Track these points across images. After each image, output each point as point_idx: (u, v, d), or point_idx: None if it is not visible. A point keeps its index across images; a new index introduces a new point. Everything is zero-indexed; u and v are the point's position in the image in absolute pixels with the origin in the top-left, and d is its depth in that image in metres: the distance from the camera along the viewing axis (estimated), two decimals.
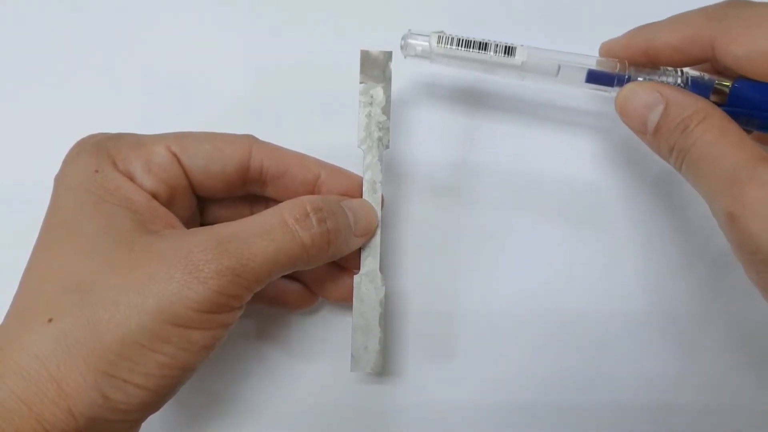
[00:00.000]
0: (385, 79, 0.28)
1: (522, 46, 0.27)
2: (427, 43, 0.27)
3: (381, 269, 0.27)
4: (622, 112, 0.26)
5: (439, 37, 0.27)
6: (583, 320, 0.31)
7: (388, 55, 0.28)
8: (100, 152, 0.24)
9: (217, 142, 0.26)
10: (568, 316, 0.31)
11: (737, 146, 0.23)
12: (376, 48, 0.28)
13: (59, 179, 0.25)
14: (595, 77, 0.27)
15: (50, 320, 0.21)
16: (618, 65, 0.27)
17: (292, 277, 0.29)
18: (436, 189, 0.32)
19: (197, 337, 0.22)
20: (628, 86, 0.26)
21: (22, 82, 0.33)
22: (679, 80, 0.26)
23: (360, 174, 0.28)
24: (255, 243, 0.23)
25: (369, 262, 0.27)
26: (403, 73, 0.29)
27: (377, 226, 0.27)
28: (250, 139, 0.27)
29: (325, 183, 0.27)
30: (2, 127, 0.33)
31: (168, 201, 0.25)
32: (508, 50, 0.27)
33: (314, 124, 0.32)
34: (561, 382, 0.30)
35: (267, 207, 0.25)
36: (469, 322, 0.31)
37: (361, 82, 0.28)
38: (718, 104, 0.25)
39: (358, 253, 0.27)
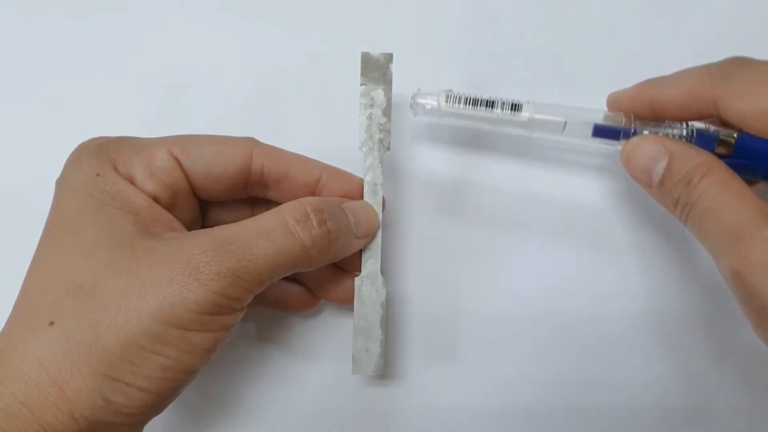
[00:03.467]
0: (386, 81, 0.28)
1: (528, 102, 0.28)
2: (435, 102, 0.28)
3: (382, 271, 0.27)
4: (627, 165, 0.27)
5: (447, 96, 0.28)
6: (585, 323, 0.31)
7: (389, 57, 0.28)
8: (102, 156, 0.24)
9: (219, 145, 0.26)
10: (570, 318, 0.31)
11: (740, 201, 0.23)
12: (376, 50, 0.28)
13: (61, 182, 0.25)
14: (601, 132, 0.27)
15: (52, 323, 0.21)
16: (624, 119, 0.27)
17: (293, 279, 0.29)
18: (438, 191, 0.32)
19: (198, 339, 0.22)
20: (633, 139, 0.27)
21: (25, 85, 0.33)
22: (684, 132, 0.27)
23: (361, 176, 0.28)
24: (256, 244, 0.23)
25: (370, 264, 0.27)
26: (404, 74, 0.29)
27: (378, 227, 0.27)
28: (251, 141, 0.27)
29: (326, 185, 0.27)
30: (4, 131, 0.33)
31: (169, 204, 0.25)
32: (515, 107, 0.28)
33: (315, 126, 0.32)
34: (563, 385, 0.30)
35: (268, 209, 0.25)
36: (470, 324, 0.31)
37: (361, 84, 0.28)
38: (724, 156, 0.25)
39: (359, 255, 0.27)
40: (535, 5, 0.34)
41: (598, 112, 0.28)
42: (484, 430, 0.30)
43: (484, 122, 0.28)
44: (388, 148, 0.28)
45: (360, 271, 0.27)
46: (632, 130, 0.27)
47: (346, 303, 0.28)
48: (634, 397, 0.30)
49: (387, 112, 0.28)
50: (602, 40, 0.33)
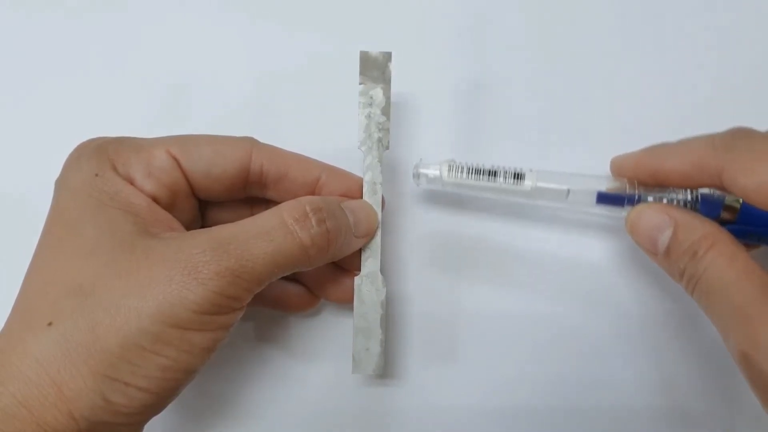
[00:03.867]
0: (385, 80, 0.28)
1: (531, 170, 0.28)
2: (438, 173, 0.28)
3: (382, 271, 0.27)
4: (632, 233, 0.26)
5: (450, 166, 0.28)
6: (584, 323, 0.31)
7: (388, 56, 0.28)
8: (101, 156, 0.24)
9: (218, 145, 0.26)
10: (569, 319, 0.31)
11: (746, 278, 0.23)
12: (375, 49, 0.28)
13: (60, 183, 0.25)
14: (605, 199, 0.27)
15: (51, 324, 0.21)
16: (627, 186, 0.27)
17: (292, 279, 0.29)
18: (438, 190, 0.32)
19: (198, 339, 0.22)
20: (637, 207, 0.26)
21: (25, 85, 0.33)
22: (689, 196, 0.26)
23: (360, 175, 0.28)
24: (254, 244, 0.23)
25: (370, 264, 0.27)
26: (402, 73, 0.29)
27: (378, 227, 0.27)
28: (251, 141, 0.27)
29: (326, 184, 0.27)
30: (4, 131, 0.33)
31: (169, 204, 0.25)
32: (517, 176, 0.27)
33: (315, 126, 0.32)
34: (562, 385, 0.30)
35: (267, 209, 0.25)
36: (470, 324, 0.31)
37: (360, 83, 0.28)
38: (729, 221, 0.25)
39: (358, 254, 0.27)
40: (534, 4, 0.34)
41: (602, 178, 0.28)
42: (484, 430, 0.30)
43: (486, 192, 0.28)
44: (387, 147, 0.28)
45: (360, 270, 0.27)
46: (636, 197, 0.27)
47: (346, 302, 0.28)
48: (634, 397, 0.30)
49: (386, 111, 0.28)
50: (602, 37, 0.33)
